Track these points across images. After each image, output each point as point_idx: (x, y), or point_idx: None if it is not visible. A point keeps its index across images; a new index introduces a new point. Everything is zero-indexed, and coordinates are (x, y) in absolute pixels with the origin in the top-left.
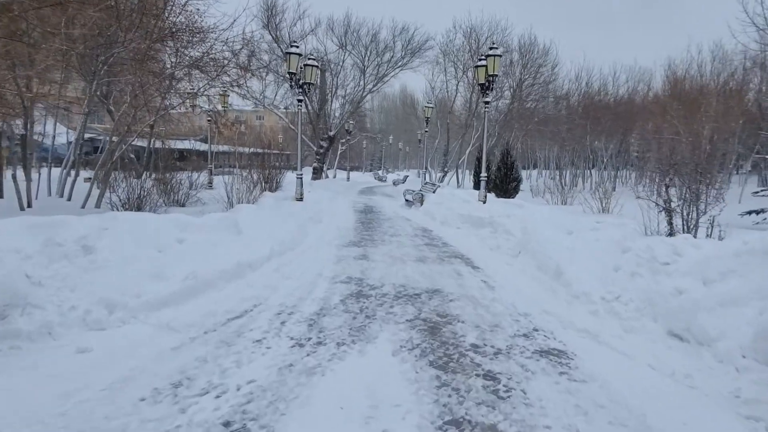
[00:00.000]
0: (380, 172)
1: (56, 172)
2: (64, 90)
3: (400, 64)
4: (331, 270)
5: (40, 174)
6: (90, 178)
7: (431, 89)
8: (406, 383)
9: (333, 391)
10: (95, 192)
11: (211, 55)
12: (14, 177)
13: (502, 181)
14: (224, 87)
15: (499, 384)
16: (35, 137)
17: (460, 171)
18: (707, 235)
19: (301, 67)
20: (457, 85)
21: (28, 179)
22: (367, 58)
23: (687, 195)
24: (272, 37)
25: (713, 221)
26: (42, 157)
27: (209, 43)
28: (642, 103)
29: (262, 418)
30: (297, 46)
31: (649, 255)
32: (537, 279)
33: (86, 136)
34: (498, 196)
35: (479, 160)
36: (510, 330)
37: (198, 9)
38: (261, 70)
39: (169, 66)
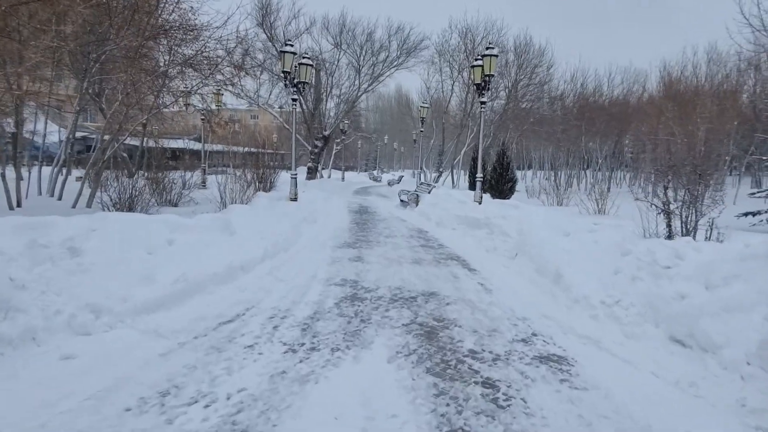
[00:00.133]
0: (375, 172)
1: (48, 171)
2: (56, 88)
3: (395, 63)
4: (325, 272)
5: (30, 173)
6: (82, 177)
7: (426, 89)
8: (402, 392)
9: (327, 400)
10: (86, 191)
11: (204, 54)
12: (2, 176)
13: (498, 182)
14: (218, 85)
15: (498, 392)
16: (27, 136)
17: (455, 171)
18: (706, 238)
19: (295, 66)
20: (452, 85)
21: (19, 178)
22: (362, 58)
23: (686, 197)
24: (267, 35)
25: (712, 223)
26: (34, 156)
27: (203, 41)
28: (637, 104)
29: (253, 429)
30: (291, 45)
31: (650, 258)
32: (535, 282)
33: (79, 134)
34: (494, 196)
35: (475, 160)
36: (508, 335)
37: (192, 7)
38: (255, 68)
39: (162, 64)
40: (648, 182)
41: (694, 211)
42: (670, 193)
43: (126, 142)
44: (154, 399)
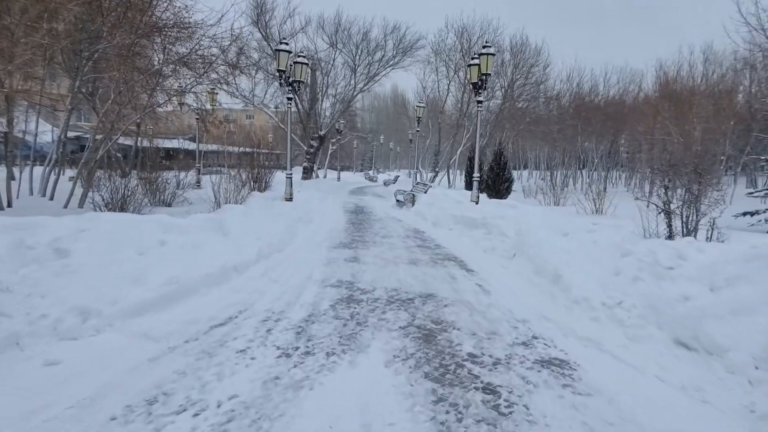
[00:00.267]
0: (371, 172)
1: (40, 171)
2: (50, 87)
3: (391, 63)
4: (320, 273)
5: (21, 173)
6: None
7: (422, 89)
8: (400, 398)
9: (322, 408)
10: (78, 191)
11: (198, 52)
12: None
13: (495, 182)
14: (212, 84)
15: (499, 398)
16: (20, 135)
17: (451, 171)
18: (707, 238)
19: (290, 65)
20: (448, 85)
21: (10, 178)
22: (358, 57)
23: (687, 196)
24: (262, 35)
25: (713, 223)
26: (26, 156)
27: (197, 39)
28: (633, 104)
29: None
30: (286, 43)
31: (652, 259)
32: (534, 283)
33: (73, 134)
34: (490, 196)
35: (471, 160)
36: (508, 338)
37: (186, 5)
38: (250, 67)
39: (156, 63)
40: (645, 181)
41: (694, 210)
42: (671, 193)
43: (120, 141)
44: (140, 407)
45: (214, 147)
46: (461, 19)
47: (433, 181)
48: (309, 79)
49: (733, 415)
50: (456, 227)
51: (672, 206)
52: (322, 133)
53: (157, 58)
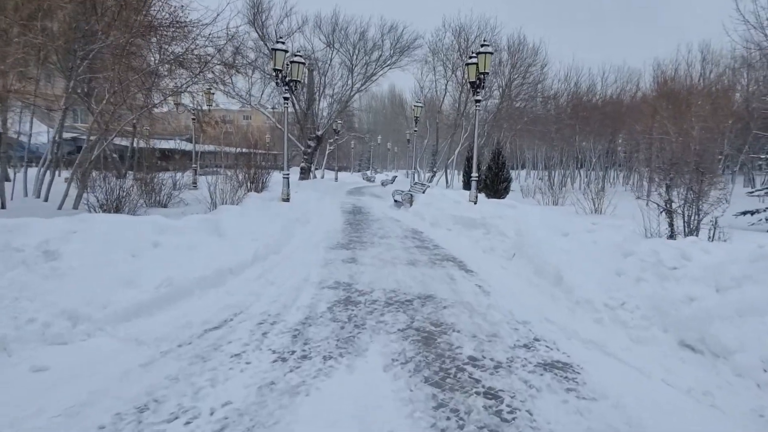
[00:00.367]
0: (369, 172)
1: (35, 172)
2: (45, 87)
3: (388, 62)
4: (317, 274)
5: (15, 174)
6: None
7: (420, 88)
8: (399, 404)
9: (318, 415)
10: (73, 192)
11: (194, 52)
12: None
13: (493, 182)
14: (208, 84)
15: (501, 404)
16: (17, 136)
17: (449, 171)
18: (709, 238)
19: (287, 64)
20: (446, 85)
21: (4, 179)
22: (355, 57)
23: (689, 195)
24: (258, 34)
25: (716, 223)
26: (22, 156)
27: (192, 38)
28: (631, 103)
29: None
30: (283, 42)
31: (655, 259)
32: (534, 283)
33: (70, 135)
34: (488, 196)
35: (469, 160)
36: (509, 340)
37: (182, 5)
38: (246, 67)
39: (152, 63)
40: (643, 181)
41: (696, 209)
42: (672, 192)
43: (117, 142)
44: (130, 415)
45: (211, 147)
46: (458, 19)
47: (430, 182)
48: (306, 79)
49: (743, 420)
50: (454, 227)
51: (674, 205)
52: (319, 133)
53: (153, 58)
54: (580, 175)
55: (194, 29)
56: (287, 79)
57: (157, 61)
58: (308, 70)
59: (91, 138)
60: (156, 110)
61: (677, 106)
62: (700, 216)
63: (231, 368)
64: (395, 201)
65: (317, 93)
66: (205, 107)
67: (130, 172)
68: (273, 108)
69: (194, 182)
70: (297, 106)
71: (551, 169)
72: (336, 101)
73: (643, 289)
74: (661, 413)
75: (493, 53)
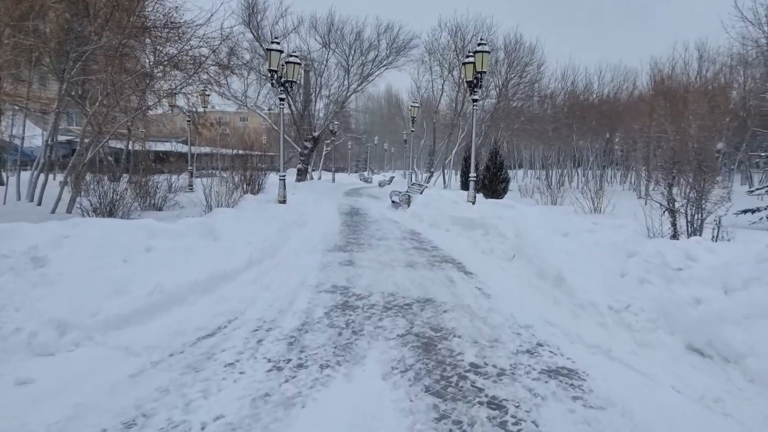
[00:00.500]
0: (366, 173)
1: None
2: (40, 90)
3: (385, 62)
4: (314, 278)
5: (8, 178)
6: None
7: (417, 88)
8: (399, 415)
9: (315, 427)
10: (67, 196)
11: (189, 53)
12: None
13: (491, 182)
14: (203, 85)
15: (506, 414)
16: (10, 140)
17: (446, 171)
18: (713, 237)
19: (282, 65)
20: (442, 85)
21: None
22: (351, 57)
23: (691, 194)
24: (254, 35)
25: (719, 222)
26: (21, 161)
27: (187, 39)
28: (628, 102)
29: None
30: (278, 42)
31: (660, 260)
32: (535, 285)
33: (65, 138)
34: (486, 196)
35: (466, 160)
36: (512, 345)
37: (177, 6)
38: (241, 68)
39: (146, 64)
40: (640, 179)
41: (699, 209)
42: (675, 190)
43: (112, 145)
44: (117, 431)
45: (207, 149)
46: (455, 18)
47: (428, 182)
48: (302, 79)
49: (756, 428)
50: (453, 228)
51: (676, 205)
52: (316, 134)
53: (147, 60)
54: (578, 174)
55: (188, 30)
56: (283, 79)
57: (151, 63)
58: (304, 71)
59: (85, 140)
60: (150, 112)
61: (674, 104)
62: (704, 215)
63: (224, 378)
64: (393, 202)
65: (313, 94)
66: (200, 109)
67: (126, 174)
68: (269, 109)
69: (190, 185)
70: (293, 107)
71: (548, 169)
72: (332, 102)
73: (648, 291)
74: (672, 423)
75: (490, 52)
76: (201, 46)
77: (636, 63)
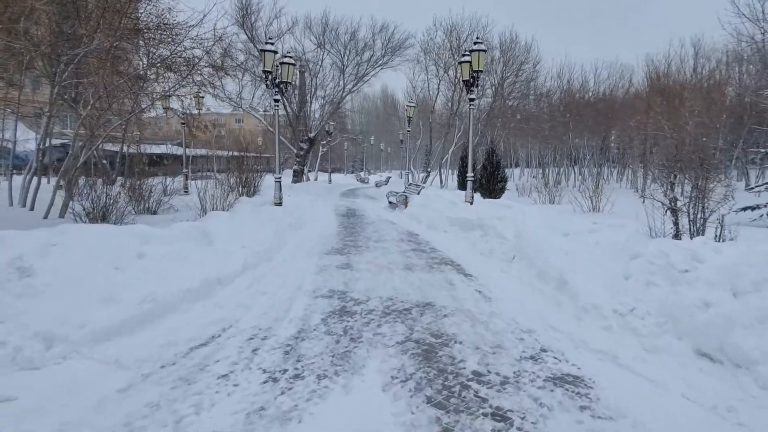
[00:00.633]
0: (362, 173)
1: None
2: (33, 94)
3: (380, 63)
4: (311, 282)
5: (0, 182)
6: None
7: (412, 88)
8: (401, 429)
9: None
10: (60, 201)
11: (182, 55)
12: None
13: (489, 181)
14: (197, 86)
15: (511, 426)
16: (1, 143)
17: (443, 171)
18: (716, 236)
19: (277, 66)
20: (438, 84)
21: None
22: (346, 57)
23: (694, 193)
24: (248, 36)
25: (722, 221)
26: (14, 164)
27: (180, 40)
28: (624, 100)
29: None
30: (272, 43)
31: (664, 261)
32: (537, 288)
33: (59, 141)
34: (484, 196)
35: (463, 159)
36: (515, 351)
37: (169, 7)
38: (236, 69)
39: (139, 67)
40: (637, 177)
41: (701, 207)
42: (677, 189)
43: (107, 148)
44: None
45: (203, 151)
46: (450, 17)
47: (425, 182)
48: (297, 80)
49: None
50: (451, 229)
51: (678, 203)
52: (311, 135)
53: (140, 62)
54: (574, 172)
55: (181, 31)
56: (278, 81)
57: (144, 65)
58: (299, 71)
59: (78, 144)
60: (144, 115)
61: (671, 101)
62: (707, 214)
63: (217, 392)
64: (390, 203)
65: (309, 95)
66: (194, 111)
67: (120, 178)
68: (265, 111)
69: (185, 187)
70: (288, 108)
71: (545, 167)
72: (328, 102)
73: (653, 294)
74: None
75: (486, 51)
76: (194, 48)
77: (632, 60)
